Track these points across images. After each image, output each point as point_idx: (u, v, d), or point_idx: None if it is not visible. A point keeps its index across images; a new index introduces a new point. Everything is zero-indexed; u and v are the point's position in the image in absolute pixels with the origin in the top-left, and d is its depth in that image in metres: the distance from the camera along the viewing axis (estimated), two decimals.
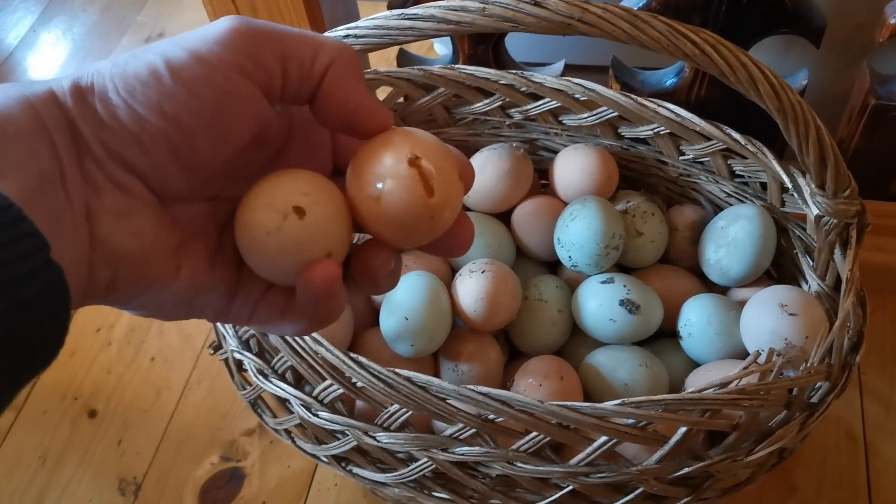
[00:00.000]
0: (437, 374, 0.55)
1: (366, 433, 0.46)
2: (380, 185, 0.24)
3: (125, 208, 0.23)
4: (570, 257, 0.55)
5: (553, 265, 0.61)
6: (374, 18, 0.40)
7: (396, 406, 0.44)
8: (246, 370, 0.52)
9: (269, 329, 0.28)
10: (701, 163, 0.57)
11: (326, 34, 0.40)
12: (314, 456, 0.51)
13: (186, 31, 0.24)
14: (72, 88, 0.23)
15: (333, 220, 0.25)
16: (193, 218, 0.26)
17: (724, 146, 0.54)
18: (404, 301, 0.52)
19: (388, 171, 0.24)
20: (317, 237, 0.24)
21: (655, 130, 0.56)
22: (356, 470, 0.49)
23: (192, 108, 0.23)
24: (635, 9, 0.60)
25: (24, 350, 0.20)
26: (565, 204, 0.58)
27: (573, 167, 0.58)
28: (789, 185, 0.49)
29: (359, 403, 0.50)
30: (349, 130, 0.26)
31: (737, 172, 0.56)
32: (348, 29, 0.40)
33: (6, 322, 0.19)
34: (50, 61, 1.07)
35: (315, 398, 0.47)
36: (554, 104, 0.58)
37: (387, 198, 0.24)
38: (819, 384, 0.44)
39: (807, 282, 0.52)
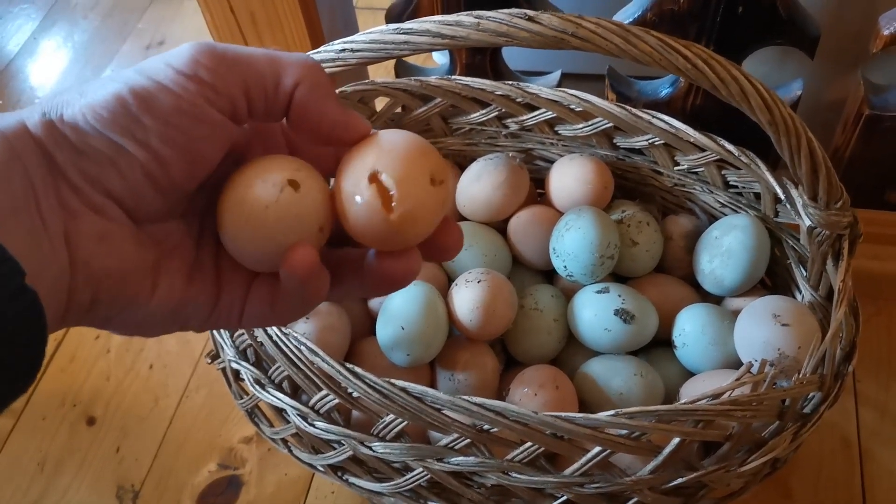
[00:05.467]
0: (433, 383, 0.55)
1: (361, 443, 0.47)
2: (349, 201, 0.25)
3: (104, 231, 0.24)
4: (565, 267, 0.56)
5: (549, 274, 0.61)
6: (370, 33, 0.40)
7: (392, 416, 0.45)
8: (243, 380, 0.52)
9: (262, 324, 0.28)
10: (695, 173, 0.58)
11: (321, 48, 0.41)
12: (311, 465, 0.51)
13: (148, 59, 0.24)
14: (42, 119, 0.23)
15: (324, 194, 0.26)
16: (170, 234, 0.26)
17: (718, 157, 0.55)
18: (400, 310, 0.52)
19: (352, 188, 0.25)
20: (312, 209, 0.25)
21: (650, 141, 0.57)
22: (352, 479, 0.49)
23: (163, 135, 0.23)
24: (631, 19, 0.62)
25: (1, 376, 0.20)
26: (561, 213, 0.59)
27: (569, 177, 0.58)
28: (782, 197, 0.49)
29: (355, 413, 0.51)
30: (329, 145, 0.26)
31: (731, 183, 0.56)
32: (345, 43, 0.40)
33: None
34: (50, 68, 1.08)
35: (311, 408, 0.47)
36: (550, 115, 0.58)
37: (352, 215, 0.25)
38: (812, 394, 0.44)
39: (800, 292, 0.53)
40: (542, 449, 0.43)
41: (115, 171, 0.23)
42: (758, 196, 0.55)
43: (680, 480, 0.43)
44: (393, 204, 0.24)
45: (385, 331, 0.53)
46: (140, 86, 0.23)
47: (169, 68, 0.24)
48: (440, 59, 0.94)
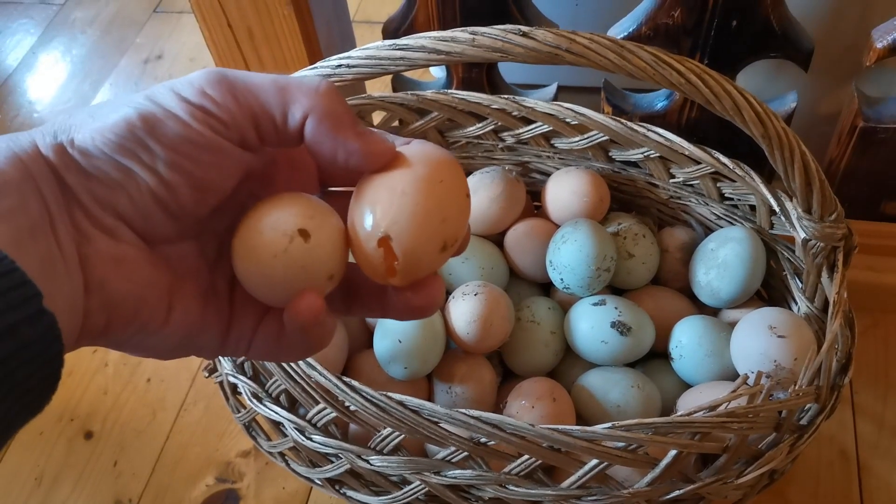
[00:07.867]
0: (430, 397, 0.55)
1: (359, 456, 0.46)
2: (359, 246, 0.25)
3: (119, 254, 0.24)
4: (562, 279, 0.56)
5: (546, 286, 0.62)
6: (366, 48, 0.40)
7: (389, 429, 0.45)
8: (240, 393, 0.52)
9: (269, 358, 0.28)
10: (691, 185, 0.58)
11: (317, 64, 0.41)
12: (308, 479, 0.51)
13: (156, 86, 0.24)
14: (53, 141, 0.23)
15: (335, 243, 0.25)
16: (184, 257, 0.26)
17: (714, 169, 0.55)
18: (397, 324, 0.52)
19: (363, 239, 0.25)
20: (321, 260, 0.25)
21: (646, 154, 0.57)
22: (350, 493, 0.49)
23: (170, 161, 0.23)
24: (626, 33, 0.62)
25: (18, 397, 0.20)
26: (557, 226, 0.59)
27: (565, 190, 0.59)
28: (777, 209, 0.50)
29: (352, 427, 0.51)
30: (352, 173, 0.26)
31: (726, 195, 0.57)
32: (341, 59, 0.41)
33: (2, 369, 0.19)
34: (49, 83, 1.08)
35: (308, 421, 0.47)
36: (546, 128, 0.59)
37: (358, 257, 0.26)
38: (808, 406, 0.45)
39: (796, 303, 0.53)
40: (540, 462, 0.43)
41: (125, 194, 0.23)
42: (753, 208, 0.55)
43: (677, 493, 0.43)
44: (396, 264, 0.25)
45: (382, 344, 0.53)
46: (148, 111, 0.23)
47: (177, 97, 0.23)
48: (437, 72, 0.94)
